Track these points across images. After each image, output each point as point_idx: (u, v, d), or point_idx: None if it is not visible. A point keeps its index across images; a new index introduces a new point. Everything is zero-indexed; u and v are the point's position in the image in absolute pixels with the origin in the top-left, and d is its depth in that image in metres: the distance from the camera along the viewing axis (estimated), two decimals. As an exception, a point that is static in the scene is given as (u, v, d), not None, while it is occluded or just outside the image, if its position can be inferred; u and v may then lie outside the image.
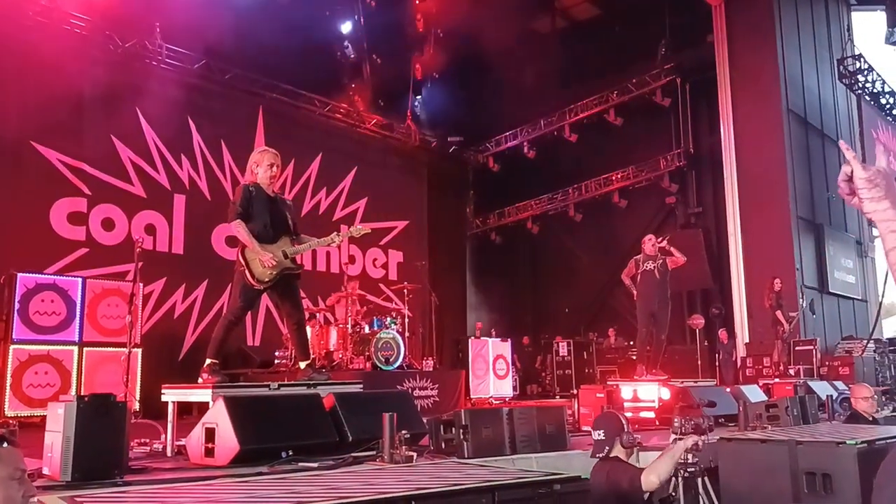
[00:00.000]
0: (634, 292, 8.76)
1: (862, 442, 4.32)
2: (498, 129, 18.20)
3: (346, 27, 15.02)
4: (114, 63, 11.58)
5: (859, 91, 17.00)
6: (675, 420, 4.14)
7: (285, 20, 12.61)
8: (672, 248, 8.70)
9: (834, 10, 17.64)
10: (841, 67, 16.77)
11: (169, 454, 5.00)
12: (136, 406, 7.63)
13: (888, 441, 4.71)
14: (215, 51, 12.38)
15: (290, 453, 4.32)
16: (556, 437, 5.15)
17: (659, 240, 8.84)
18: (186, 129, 12.50)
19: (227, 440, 4.29)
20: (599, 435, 3.95)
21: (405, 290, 10.89)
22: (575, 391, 8.38)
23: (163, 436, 5.26)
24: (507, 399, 12.42)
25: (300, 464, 4.19)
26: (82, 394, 4.62)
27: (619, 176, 17.00)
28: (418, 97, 16.99)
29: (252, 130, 13.31)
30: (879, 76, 17.27)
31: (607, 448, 3.90)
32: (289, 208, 5.77)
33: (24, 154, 10.45)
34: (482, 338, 12.83)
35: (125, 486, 3.56)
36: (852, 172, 1.48)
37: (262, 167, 5.57)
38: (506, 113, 17.50)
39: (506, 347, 13.07)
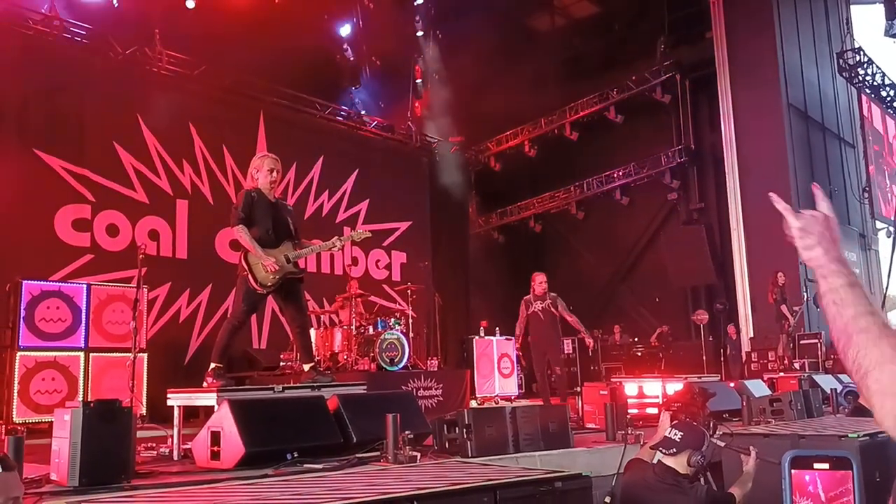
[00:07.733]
0: (520, 336, 8.75)
1: (864, 435, 4.34)
2: (499, 129, 18.22)
3: (344, 30, 15.06)
4: (114, 70, 11.63)
5: (859, 84, 16.97)
6: (663, 415, 4.16)
7: (284, 24, 12.65)
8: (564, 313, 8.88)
9: (832, 3, 17.61)
10: (840, 61, 16.71)
11: (175, 458, 5.05)
12: (143, 410, 7.70)
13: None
14: (215, 56, 12.42)
15: (296, 455, 4.37)
16: (559, 434, 5.18)
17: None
18: (188, 134, 12.53)
19: (233, 443, 4.33)
20: (675, 436, 3.72)
21: (409, 291, 10.91)
22: (580, 389, 8.40)
23: (169, 440, 5.30)
24: (513, 397, 12.43)
25: (305, 465, 4.22)
26: (89, 399, 4.67)
27: (620, 173, 17.02)
28: (418, 98, 17.02)
29: (254, 135, 13.34)
30: (879, 69, 17.23)
31: (674, 450, 3.70)
32: (290, 213, 5.85)
33: (28, 162, 10.50)
34: (486, 337, 12.81)
35: (132, 491, 3.61)
36: None
37: (263, 172, 5.65)
38: (506, 112, 17.54)
39: (510, 346, 13.05)
